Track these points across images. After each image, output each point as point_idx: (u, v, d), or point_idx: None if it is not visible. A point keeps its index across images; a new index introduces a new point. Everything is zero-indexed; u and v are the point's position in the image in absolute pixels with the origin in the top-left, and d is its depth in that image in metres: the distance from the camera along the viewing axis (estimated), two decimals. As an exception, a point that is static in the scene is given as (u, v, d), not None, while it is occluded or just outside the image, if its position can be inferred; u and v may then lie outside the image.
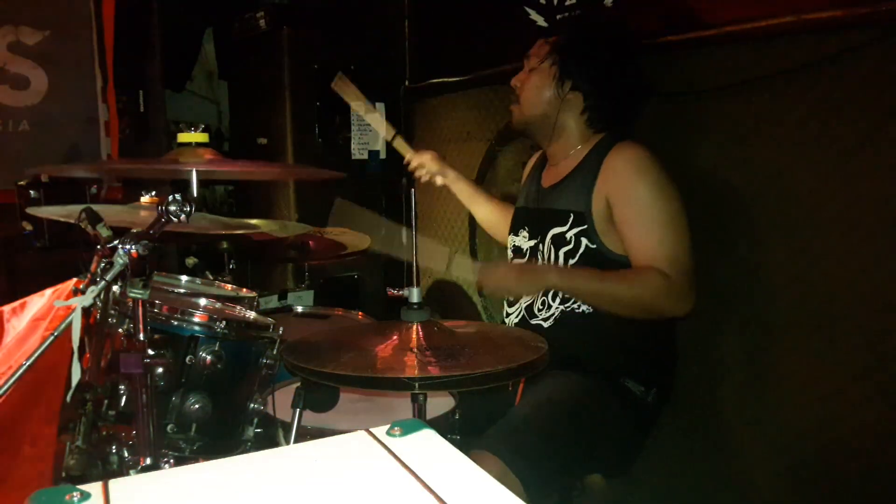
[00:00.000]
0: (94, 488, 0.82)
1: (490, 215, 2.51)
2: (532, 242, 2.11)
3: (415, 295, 1.42)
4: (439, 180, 2.46)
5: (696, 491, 2.30)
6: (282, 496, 0.80)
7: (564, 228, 1.99)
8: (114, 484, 0.83)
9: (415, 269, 1.46)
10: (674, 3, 2.26)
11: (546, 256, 2.04)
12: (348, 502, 0.78)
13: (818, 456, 1.97)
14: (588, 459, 1.93)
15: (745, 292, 2.11)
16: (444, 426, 1.75)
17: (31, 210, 2.06)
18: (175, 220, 1.48)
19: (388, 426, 0.91)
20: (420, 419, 0.96)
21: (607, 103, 2.04)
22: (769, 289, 2.06)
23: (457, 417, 1.79)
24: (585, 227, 1.95)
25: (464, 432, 1.77)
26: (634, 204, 1.89)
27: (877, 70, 1.79)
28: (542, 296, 2.03)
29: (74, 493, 0.80)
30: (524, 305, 2.09)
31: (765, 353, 2.09)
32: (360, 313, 2.58)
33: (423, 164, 2.43)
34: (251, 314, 1.86)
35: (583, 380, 1.90)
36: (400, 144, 2.47)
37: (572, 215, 1.97)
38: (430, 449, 0.87)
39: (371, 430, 0.91)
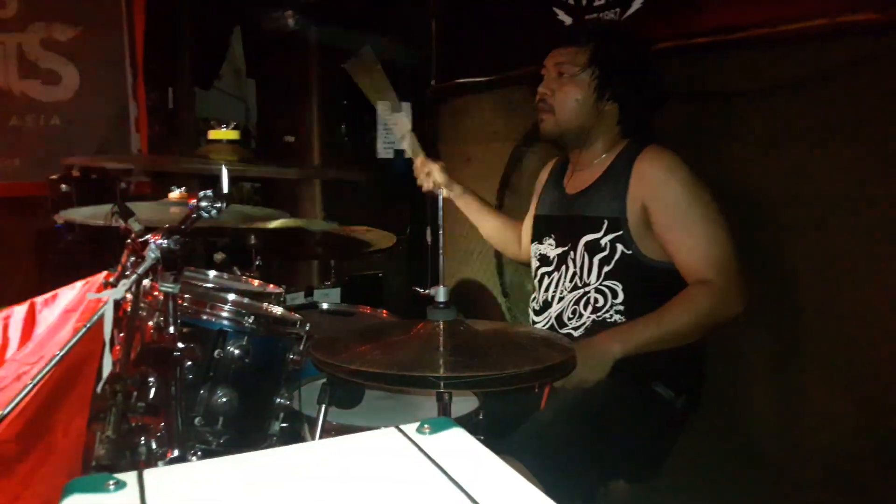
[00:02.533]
0: (130, 477, 0.83)
1: (497, 231, 2.50)
2: (560, 250, 2.08)
3: (441, 294, 1.42)
4: (444, 192, 2.42)
5: (722, 498, 2.28)
6: (313, 491, 0.81)
7: (598, 235, 1.97)
8: (148, 473, 0.84)
9: (441, 268, 1.46)
10: (702, 6, 2.24)
11: (579, 264, 2.02)
12: (380, 499, 0.79)
13: (849, 464, 1.95)
14: (613, 464, 1.91)
15: (775, 297, 2.09)
16: (467, 427, 1.73)
17: (64, 214, 2.08)
18: (206, 215, 1.50)
19: (417, 424, 0.91)
20: (469, 426, 0.96)
21: (641, 112, 2.04)
22: (799, 294, 2.04)
23: (480, 418, 1.79)
24: (620, 232, 1.94)
25: (488, 433, 1.77)
26: (674, 208, 1.88)
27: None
28: (573, 305, 2.01)
29: (111, 482, 0.82)
30: (554, 315, 2.07)
31: (795, 358, 2.08)
32: (384, 311, 2.59)
33: (431, 171, 2.41)
34: (279, 310, 1.87)
35: (611, 384, 1.87)
36: (412, 143, 2.44)
37: (606, 221, 1.96)
38: (460, 447, 0.87)
39: (401, 427, 0.91)
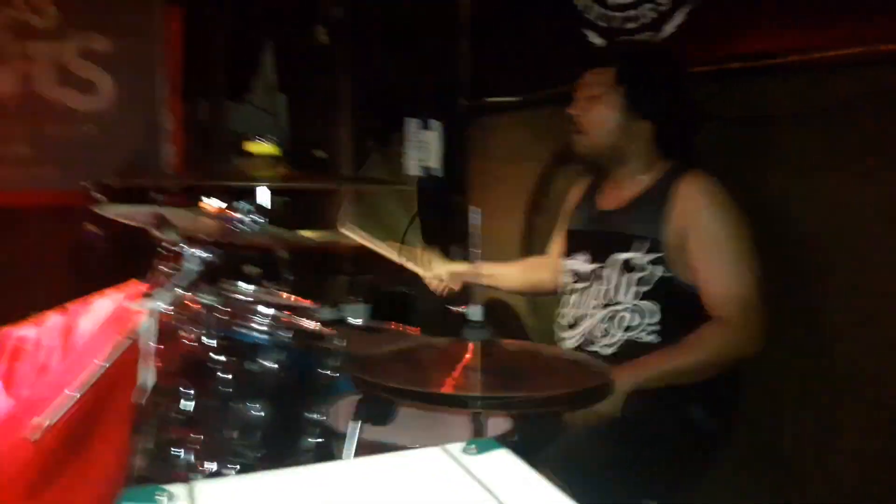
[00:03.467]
0: (180, 490, 0.85)
1: (514, 274, 2.54)
2: (593, 266, 2.08)
3: (476, 313, 1.42)
4: (457, 285, 2.51)
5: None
6: (361, 509, 0.82)
7: (638, 254, 1.97)
8: (198, 486, 0.86)
9: (475, 287, 1.47)
10: (737, 30, 2.25)
11: (613, 282, 2.01)
12: (427, 520, 0.80)
13: (881, 494, 1.93)
14: (645, 485, 1.90)
15: (811, 326, 2.08)
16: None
17: (98, 209, 2.10)
18: (245, 229, 1.53)
19: (462, 444, 0.92)
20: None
21: (675, 130, 2.05)
22: (835, 324, 2.03)
23: (515, 440, 1.79)
24: (661, 254, 1.94)
25: (520, 453, 1.77)
26: (711, 237, 1.90)
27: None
28: (604, 323, 2.01)
29: (162, 494, 0.84)
30: (584, 331, 2.07)
31: (829, 389, 2.05)
32: (415, 329, 2.59)
33: (440, 277, 2.47)
34: (315, 324, 1.89)
35: (647, 404, 1.86)
36: (409, 264, 2.49)
37: (648, 242, 1.96)
38: (507, 469, 0.88)
39: (446, 447, 0.92)
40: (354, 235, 2.30)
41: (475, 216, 1.53)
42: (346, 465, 0.92)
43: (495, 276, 2.53)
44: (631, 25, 2.59)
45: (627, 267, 1.98)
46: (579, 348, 2.07)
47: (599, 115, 2.05)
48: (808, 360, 2.10)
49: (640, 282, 1.97)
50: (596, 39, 2.73)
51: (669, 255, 1.93)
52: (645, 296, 1.96)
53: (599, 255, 2.07)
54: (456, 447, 0.92)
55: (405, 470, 0.89)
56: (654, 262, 1.95)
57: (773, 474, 2.20)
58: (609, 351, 1.99)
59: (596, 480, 1.68)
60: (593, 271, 2.08)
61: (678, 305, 1.93)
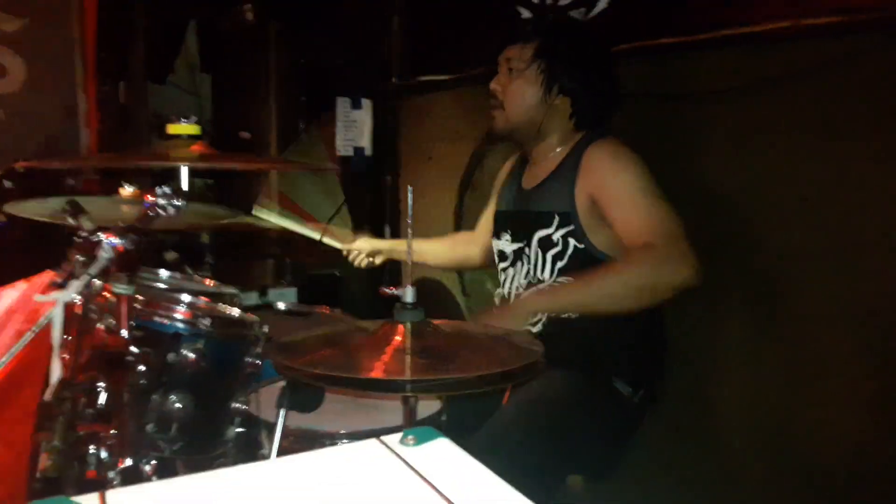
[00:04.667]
0: (91, 500, 0.78)
1: (448, 253, 2.55)
2: (516, 245, 2.08)
3: (409, 294, 1.38)
4: (378, 259, 2.54)
5: (680, 493, 2.29)
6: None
7: (551, 230, 1.97)
8: (111, 495, 0.79)
9: (409, 267, 1.42)
10: (669, 6, 2.24)
11: (533, 260, 2.01)
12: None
13: (808, 459, 1.97)
14: (573, 460, 1.93)
15: (739, 295, 2.10)
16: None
17: (8, 207, 1.99)
18: (164, 213, 1.44)
19: (399, 435, 0.87)
20: (434, 428, 0.92)
21: (593, 105, 2.04)
22: (763, 292, 2.06)
23: (443, 419, 1.76)
24: (572, 227, 1.94)
25: (451, 433, 1.74)
26: (617, 189, 1.88)
27: (876, 76, 1.80)
28: None
29: (70, 506, 0.76)
30: None
31: (755, 354, 2.09)
32: (343, 311, 2.53)
33: (360, 249, 2.46)
34: (236, 311, 1.81)
35: (571, 380, 1.89)
36: (331, 239, 2.46)
37: (557, 216, 1.96)
38: (447, 459, 0.83)
39: (383, 438, 0.87)
40: (270, 216, 2.23)
41: (409, 195, 1.49)
42: (275, 463, 0.86)
43: (422, 252, 2.50)
44: (564, 2, 2.56)
45: (545, 244, 1.98)
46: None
47: (518, 90, 2.03)
48: (738, 330, 2.13)
49: (555, 257, 1.97)
50: (528, 16, 2.69)
51: (581, 225, 1.93)
52: (561, 270, 1.96)
53: (522, 235, 2.06)
54: (393, 438, 0.87)
55: (341, 465, 0.84)
56: (566, 236, 1.95)
57: (702, 445, 2.23)
58: (535, 329, 1.98)
59: (524, 457, 1.69)
60: (516, 251, 2.07)
61: None
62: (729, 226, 2.11)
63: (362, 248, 2.53)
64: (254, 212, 2.30)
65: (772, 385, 2.05)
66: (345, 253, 2.53)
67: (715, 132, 2.14)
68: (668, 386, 2.09)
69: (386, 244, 2.59)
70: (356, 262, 2.54)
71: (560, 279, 1.96)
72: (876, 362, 1.82)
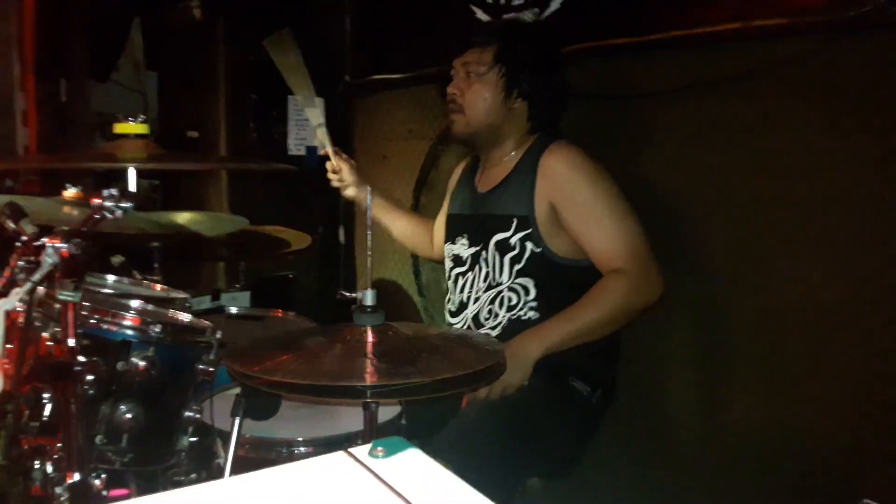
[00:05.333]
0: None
1: (408, 231, 2.47)
2: (473, 250, 2.07)
3: (369, 297, 1.35)
4: (351, 192, 2.35)
5: (636, 491, 2.30)
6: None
7: (508, 234, 1.97)
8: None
9: (369, 270, 1.39)
10: (620, 7, 2.25)
11: (491, 263, 2.01)
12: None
13: (763, 457, 2.00)
14: (533, 461, 1.92)
15: (691, 294, 2.13)
16: (391, 432, 1.69)
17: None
18: (111, 216, 1.38)
19: (368, 446, 0.83)
20: (394, 432, 0.89)
21: (549, 108, 2.04)
22: (714, 291, 2.08)
23: (403, 422, 1.74)
24: (529, 231, 1.94)
25: (410, 436, 1.72)
26: (582, 204, 1.89)
27: (822, 77, 1.83)
28: (489, 304, 2.01)
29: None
30: (470, 316, 2.06)
31: (710, 353, 2.12)
32: (297, 315, 2.48)
33: (342, 169, 2.32)
34: (186, 317, 1.76)
35: (530, 381, 1.87)
36: (324, 137, 2.34)
37: (515, 220, 1.96)
38: (418, 471, 0.80)
39: (351, 450, 0.84)
40: (278, 54, 2.11)
41: (368, 196, 1.45)
42: (239, 480, 0.81)
43: (392, 220, 2.45)
44: (517, 2, 2.56)
45: (502, 247, 1.98)
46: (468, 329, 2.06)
47: (478, 95, 2.02)
48: (691, 329, 2.15)
49: (513, 260, 1.96)
50: (483, 16, 2.69)
51: (539, 230, 1.93)
52: (519, 273, 1.96)
53: (478, 239, 2.05)
54: (362, 450, 0.84)
55: (309, 480, 0.80)
56: (524, 239, 1.94)
57: (657, 445, 2.25)
58: (495, 333, 1.98)
59: (485, 458, 1.68)
60: (473, 255, 2.06)
61: (550, 279, 1.94)
62: (672, 226, 2.13)
63: (344, 169, 2.32)
64: (266, 42, 2.14)
65: (723, 382, 2.08)
66: (329, 167, 2.35)
67: (664, 132, 2.16)
68: (624, 386, 2.10)
69: (367, 188, 2.29)
70: (335, 181, 2.36)
71: (518, 280, 1.95)
72: (832, 358, 1.85)
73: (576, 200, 1.90)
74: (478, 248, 2.05)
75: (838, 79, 1.80)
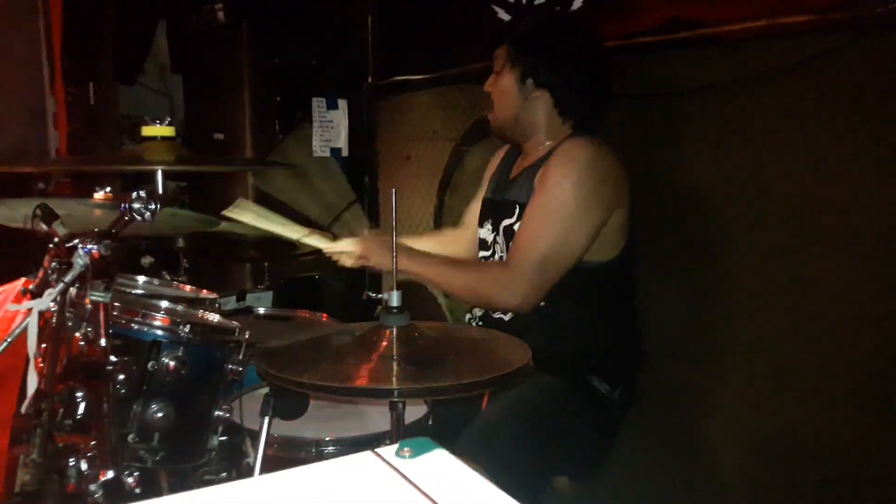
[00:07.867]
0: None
1: (427, 248, 2.46)
2: (493, 235, 2.09)
3: (395, 299, 1.36)
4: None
5: (663, 491, 2.29)
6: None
7: (512, 220, 1.99)
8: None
9: (395, 270, 1.40)
10: (645, 5, 2.24)
11: (502, 249, 2.03)
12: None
13: (788, 457, 1.98)
14: (557, 461, 1.92)
15: (717, 293, 2.11)
16: (417, 433, 1.69)
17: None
18: (140, 218, 1.40)
19: (395, 447, 0.84)
20: (421, 433, 0.90)
21: (575, 97, 2.01)
22: (741, 290, 2.07)
23: (430, 423, 1.75)
24: None
25: (436, 437, 1.73)
26: (543, 200, 1.88)
27: (849, 74, 1.81)
28: None
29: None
30: None
31: (735, 353, 2.10)
32: (324, 315, 2.50)
33: (344, 250, 2.30)
34: (215, 317, 1.78)
35: (549, 380, 1.88)
36: (314, 240, 2.28)
37: (518, 207, 1.97)
38: (445, 471, 0.80)
39: (378, 451, 0.84)
40: (243, 218, 2.07)
41: (393, 197, 1.46)
42: (267, 479, 0.82)
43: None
44: (539, 1, 2.56)
45: (507, 233, 2.00)
46: (484, 317, 2.08)
47: (500, 89, 2.05)
48: (716, 330, 2.13)
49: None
50: (504, 16, 2.69)
51: None
52: None
53: (495, 223, 2.08)
54: (389, 450, 0.84)
55: (337, 479, 0.81)
56: None
57: (680, 439, 2.24)
58: (507, 317, 1.99)
59: (509, 458, 1.69)
60: (493, 240, 2.09)
61: None
62: (701, 224, 2.12)
63: (346, 247, 2.36)
64: (225, 213, 2.13)
65: (750, 383, 2.06)
66: (328, 255, 2.38)
67: (691, 130, 2.14)
68: (647, 384, 2.09)
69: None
70: (340, 262, 2.40)
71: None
72: (860, 360, 1.83)
73: (543, 193, 1.88)
74: (494, 233, 2.07)
75: (867, 75, 1.78)
